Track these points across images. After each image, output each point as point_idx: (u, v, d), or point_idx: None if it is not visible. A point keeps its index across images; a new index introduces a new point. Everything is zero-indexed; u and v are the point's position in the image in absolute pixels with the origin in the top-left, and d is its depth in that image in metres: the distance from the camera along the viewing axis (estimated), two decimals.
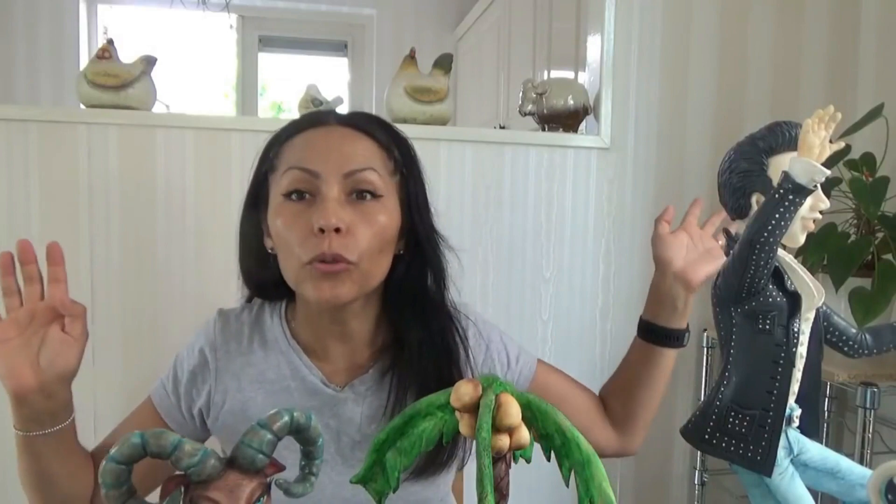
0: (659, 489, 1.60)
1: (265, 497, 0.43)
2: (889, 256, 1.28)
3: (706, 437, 1.04)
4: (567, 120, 1.48)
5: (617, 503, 0.43)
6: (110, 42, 1.26)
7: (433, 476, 0.80)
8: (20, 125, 1.23)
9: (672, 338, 0.89)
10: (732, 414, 1.02)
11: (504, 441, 0.44)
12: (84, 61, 2.40)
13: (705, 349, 1.54)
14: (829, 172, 0.92)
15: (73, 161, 1.25)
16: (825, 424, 1.48)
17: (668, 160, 1.53)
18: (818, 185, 0.94)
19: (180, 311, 1.30)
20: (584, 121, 1.52)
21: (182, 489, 0.41)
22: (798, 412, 1.03)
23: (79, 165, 1.25)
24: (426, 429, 0.48)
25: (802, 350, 1.02)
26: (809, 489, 1.01)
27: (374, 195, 0.74)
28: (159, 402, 0.83)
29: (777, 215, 0.92)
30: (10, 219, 1.24)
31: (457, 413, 0.46)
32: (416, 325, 0.81)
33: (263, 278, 0.83)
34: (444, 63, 1.40)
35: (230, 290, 1.29)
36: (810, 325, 1.03)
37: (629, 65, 1.50)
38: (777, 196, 0.92)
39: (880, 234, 1.32)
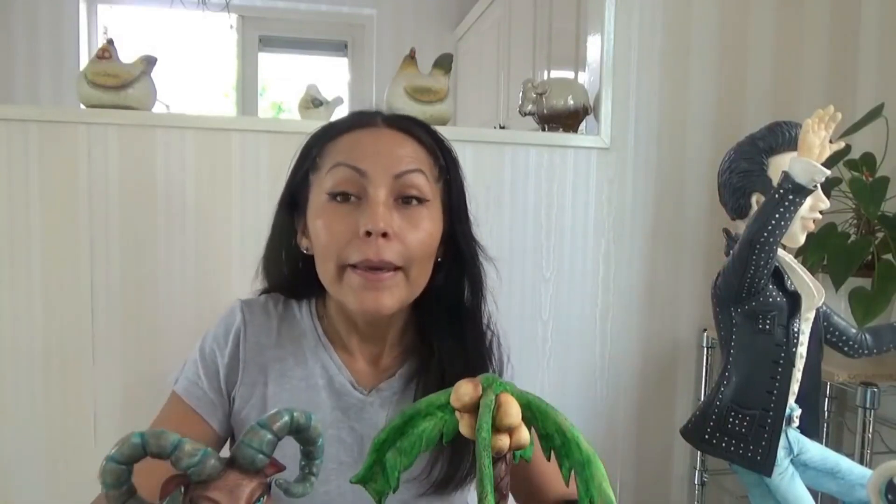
0: (659, 489, 1.60)
1: (265, 497, 0.43)
2: (889, 256, 1.28)
3: (706, 437, 1.04)
4: (567, 120, 1.48)
5: (617, 503, 0.43)
6: (110, 42, 1.26)
7: (453, 492, 0.78)
8: (20, 125, 1.23)
9: None
10: (732, 414, 1.02)
11: (504, 441, 0.44)
12: (84, 61, 2.39)
13: (705, 349, 1.54)
14: (829, 172, 0.92)
15: (73, 161, 1.25)
16: (825, 424, 1.48)
17: (668, 160, 1.53)
18: (818, 185, 0.94)
19: (180, 311, 1.30)
20: (584, 121, 1.52)
21: (182, 489, 0.41)
22: (798, 412, 1.03)
23: (79, 165, 1.25)
24: (426, 429, 0.48)
25: (802, 350, 1.02)
26: (809, 489, 1.01)
27: (421, 200, 0.72)
28: (199, 403, 0.78)
29: (777, 215, 0.93)
30: (11, 219, 1.24)
31: (457, 413, 0.46)
32: (450, 334, 0.79)
33: (294, 278, 0.81)
34: (444, 63, 1.40)
35: (231, 289, 1.30)
36: (810, 325, 1.03)
37: (629, 65, 1.50)
38: (777, 196, 0.93)
39: (880, 234, 1.32)
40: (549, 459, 0.46)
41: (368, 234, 0.67)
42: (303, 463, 0.49)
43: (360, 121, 0.76)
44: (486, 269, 0.82)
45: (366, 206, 0.69)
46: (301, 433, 0.46)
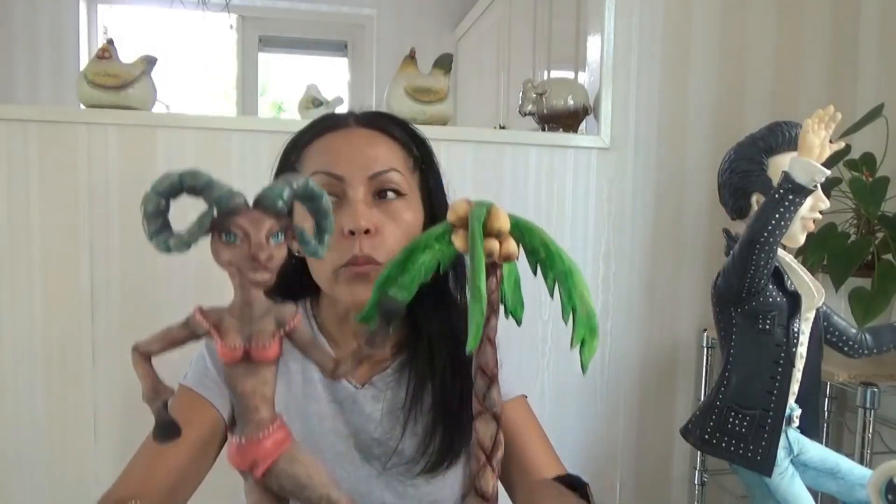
0: (659, 489, 1.60)
1: (283, 237, 0.45)
2: (889, 256, 1.28)
3: (706, 437, 1.04)
4: (567, 120, 1.48)
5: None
6: (110, 42, 1.26)
7: (446, 470, 0.79)
8: (20, 125, 1.23)
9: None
10: (732, 414, 1.02)
11: (494, 244, 0.46)
12: (84, 61, 2.39)
13: (705, 349, 1.54)
14: (829, 172, 0.92)
15: (73, 161, 1.25)
16: (825, 424, 1.48)
17: (668, 160, 1.53)
18: (818, 185, 0.94)
19: (180, 312, 1.29)
20: (584, 121, 1.52)
21: (213, 211, 0.45)
22: (798, 412, 1.03)
23: (79, 165, 1.25)
24: (425, 261, 0.50)
25: (802, 350, 1.02)
26: (809, 489, 1.01)
27: (399, 193, 0.75)
28: (208, 393, 0.79)
29: (777, 215, 0.92)
30: (10, 219, 1.24)
31: (453, 234, 0.48)
32: (436, 317, 0.81)
33: (287, 281, 0.81)
34: (444, 63, 1.40)
35: (231, 289, 1.30)
36: (810, 325, 1.03)
37: (629, 65, 1.50)
38: (777, 196, 0.93)
39: (880, 234, 1.32)
40: (535, 274, 0.49)
41: (352, 232, 0.70)
42: (315, 234, 0.50)
43: (332, 123, 0.78)
44: None
45: (346, 206, 0.72)
46: (314, 202, 0.48)
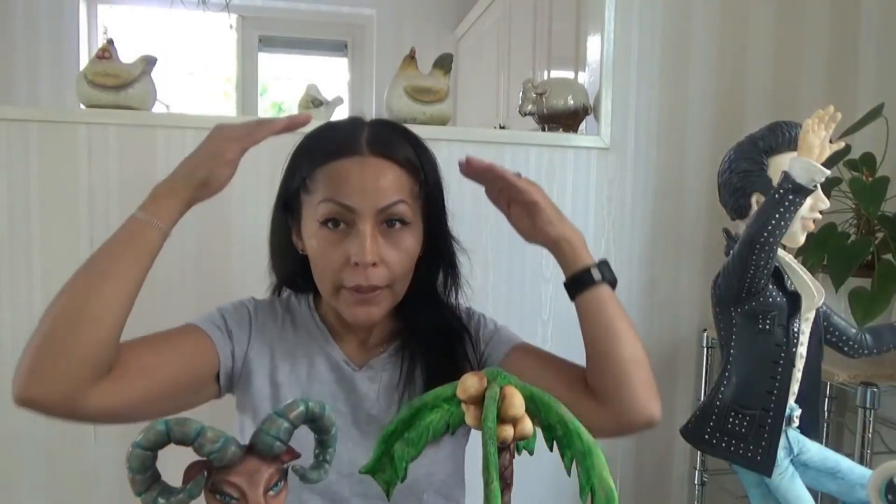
0: (659, 489, 1.60)
1: (282, 482, 0.45)
2: (889, 256, 1.28)
3: (706, 437, 1.04)
4: (567, 120, 1.48)
5: (617, 502, 0.43)
6: (110, 42, 1.26)
7: (437, 443, 0.83)
8: (20, 125, 1.23)
9: (580, 282, 0.88)
10: (732, 414, 1.02)
11: (508, 431, 0.46)
12: (84, 61, 2.39)
13: (705, 349, 1.54)
14: (829, 172, 0.92)
15: (73, 161, 1.25)
16: (825, 424, 1.48)
17: (668, 160, 1.53)
18: (818, 185, 0.94)
19: (181, 311, 1.29)
20: (584, 121, 1.52)
21: (205, 473, 0.44)
22: (798, 412, 1.03)
23: (79, 165, 1.25)
24: (433, 420, 0.49)
25: (802, 350, 1.02)
26: (809, 489, 1.01)
27: (404, 223, 0.81)
28: (213, 332, 0.85)
29: (777, 215, 0.92)
30: (10, 219, 1.23)
31: (463, 405, 0.48)
32: (423, 316, 0.90)
33: (292, 272, 0.91)
34: (444, 63, 1.40)
35: (230, 288, 1.30)
36: (810, 325, 1.03)
37: (629, 65, 1.50)
38: (777, 196, 0.93)
39: (880, 234, 1.32)
40: (551, 450, 0.48)
41: (358, 263, 0.77)
42: (317, 451, 0.51)
43: (346, 148, 0.81)
44: (461, 260, 0.92)
45: (354, 236, 0.78)
46: (315, 422, 0.48)
